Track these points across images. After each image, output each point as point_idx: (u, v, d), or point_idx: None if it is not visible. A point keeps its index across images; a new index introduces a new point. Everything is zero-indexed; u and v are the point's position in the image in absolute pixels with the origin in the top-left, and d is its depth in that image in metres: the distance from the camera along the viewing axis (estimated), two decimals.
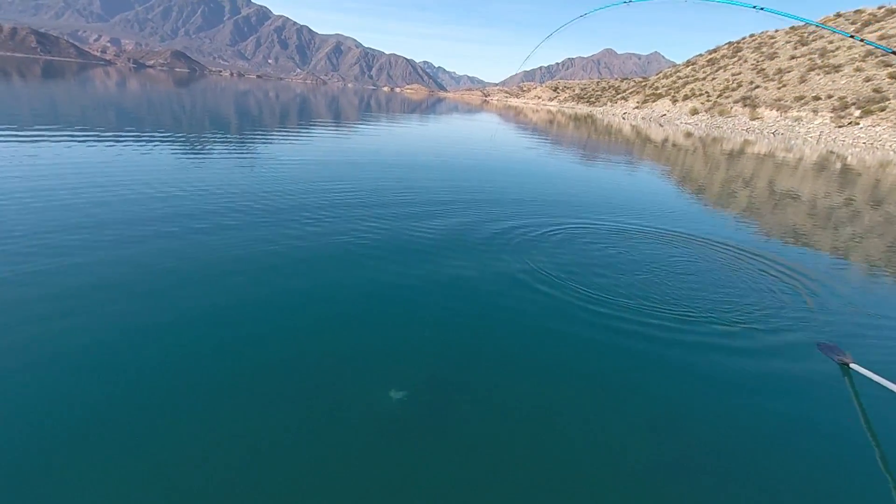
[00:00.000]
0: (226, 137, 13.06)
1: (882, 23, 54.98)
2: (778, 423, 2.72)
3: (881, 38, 51.55)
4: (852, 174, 17.85)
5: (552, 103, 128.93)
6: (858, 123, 42.25)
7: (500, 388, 2.90)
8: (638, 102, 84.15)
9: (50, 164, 7.39)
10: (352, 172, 9.37)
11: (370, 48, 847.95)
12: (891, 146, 35.61)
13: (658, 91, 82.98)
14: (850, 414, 2.84)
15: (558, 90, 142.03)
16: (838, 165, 20.89)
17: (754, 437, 2.60)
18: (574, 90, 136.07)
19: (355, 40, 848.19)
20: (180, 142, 11.36)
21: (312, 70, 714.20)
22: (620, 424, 2.65)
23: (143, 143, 10.33)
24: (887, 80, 44.40)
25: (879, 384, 2.83)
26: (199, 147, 10.99)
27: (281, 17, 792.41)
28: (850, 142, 38.76)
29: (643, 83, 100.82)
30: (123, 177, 7.09)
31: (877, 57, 48.62)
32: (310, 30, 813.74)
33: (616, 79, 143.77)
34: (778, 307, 4.39)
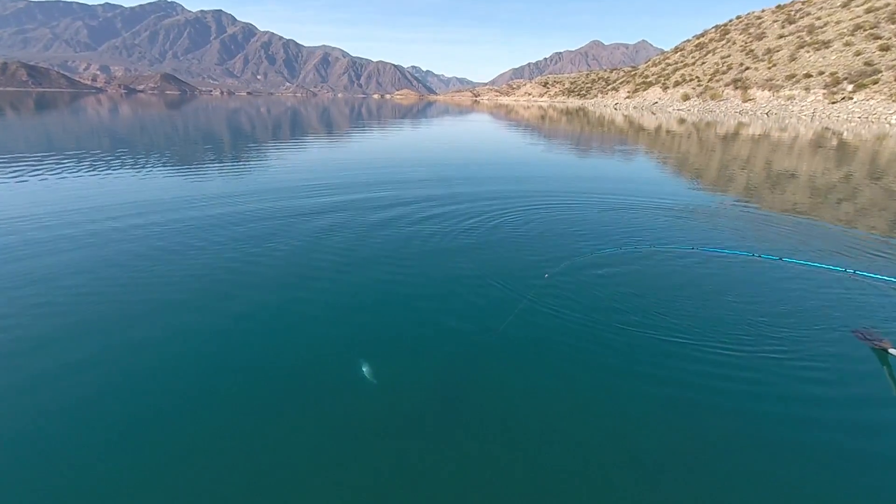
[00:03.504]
0: (221, 155, 13.04)
1: None
2: (812, 410, 2.65)
3: (868, 10, 51.45)
4: (849, 149, 17.76)
5: (543, 99, 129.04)
6: (852, 98, 42.14)
7: (505, 385, 2.87)
8: (629, 92, 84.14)
9: (47, 192, 7.37)
10: (355, 180, 9.31)
11: (357, 57, 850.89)
12: (886, 119, 35.49)
13: (648, 79, 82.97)
14: (887, 397, 2.76)
15: (548, 85, 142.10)
16: (834, 142, 20.79)
17: (787, 425, 2.54)
18: (564, 84, 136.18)
19: (342, 50, 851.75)
20: (177, 162, 11.35)
21: (301, 83, 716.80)
22: (637, 410, 2.64)
23: (139, 167, 10.31)
24: (878, 52, 44.28)
25: None
26: (195, 166, 10.97)
27: (266, 32, 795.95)
28: (845, 117, 38.64)
29: (633, 72, 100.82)
30: (125, 198, 7.06)
31: (865, 30, 48.51)
32: (296, 43, 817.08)
33: (605, 70, 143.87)
34: (803, 292, 4.29)
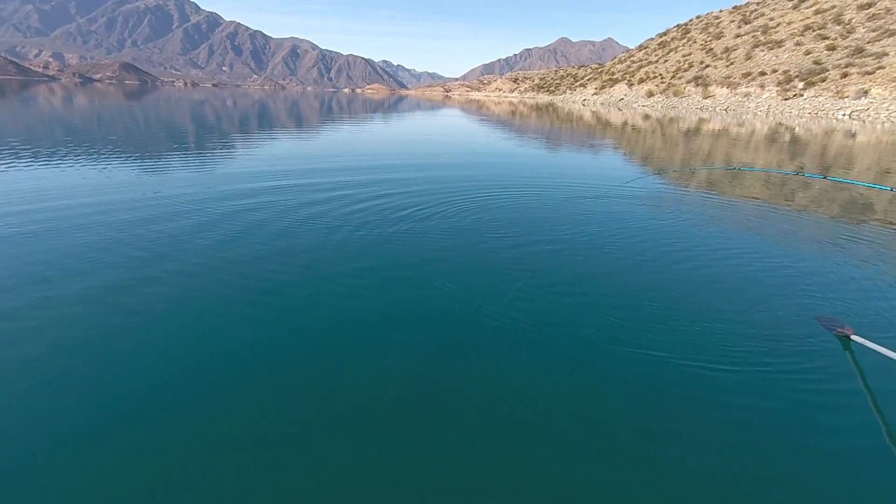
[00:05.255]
0: (186, 148, 12.72)
1: None
2: (778, 398, 2.71)
3: (817, 11, 54.07)
4: (801, 144, 18.76)
5: (513, 94, 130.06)
6: (802, 95, 44.29)
7: (488, 377, 3.00)
8: (596, 88, 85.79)
9: None
10: (325, 176, 9.29)
11: (328, 50, 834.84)
12: (833, 115, 37.49)
13: (614, 76, 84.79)
14: (853, 386, 2.84)
15: (518, 81, 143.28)
16: (787, 137, 21.90)
17: (753, 411, 2.60)
18: (534, 80, 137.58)
19: (311, 42, 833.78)
20: (137, 155, 11.02)
21: (270, 75, 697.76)
22: (606, 400, 2.71)
23: (96, 160, 9.98)
24: (825, 51, 46.66)
25: (882, 354, 2.77)
26: (156, 159, 10.69)
27: (233, 22, 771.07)
28: (797, 113, 40.60)
29: (599, 69, 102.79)
30: (89, 195, 6.86)
31: (814, 30, 50.98)
32: (263, 34, 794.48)
33: (573, 66, 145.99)
34: (767, 282, 4.47)
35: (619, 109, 52.51)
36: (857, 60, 42.32)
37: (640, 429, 2.48)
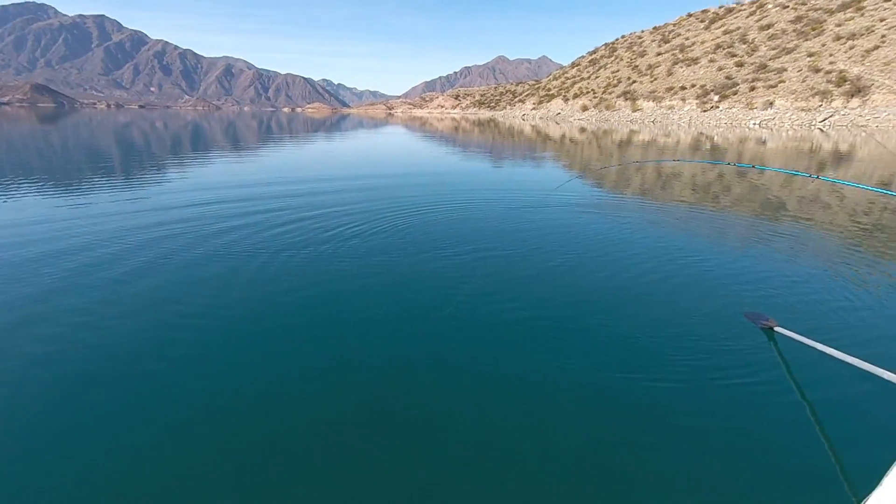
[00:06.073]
0: (105, 174, 11.84)
1: (724, 20, 63.42)
2: (714, 396, 2.82)
3: (725, 32, 59.47)
4: (720, 151, 20.37)
5: (455, 111, 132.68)
6: (718, 107, 48.29)
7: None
8: (534, 104, 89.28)
9: None
10: (251, 197, 8.92)
11: (264, 69, 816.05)
12: (745, 124, 41.09)
13: (551, 92, 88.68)
14: (778, 374, 3.04)
15: (460, 98, 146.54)
16: (708, 145, 23.72)
17: (691, 414, 2.68)
18: (475, 97, 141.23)
19: (247, 62, 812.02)
20: (47, 183, 10.13)
21: (203, 95, 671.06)
22: (549, 406, 2.74)
23: (7, 190, 9.07)
24: (735, 67, 51.29)
25: (802, 343, 3.02)
26: (68, 186, 9.87)
27: (160, 41, 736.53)
28: (715, 123, 44.16)
29: (536, 86, 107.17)
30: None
31: (724, 49, 55.97)
32: (195, 53, 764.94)
33: (512, 83, 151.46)
34: (699, 282, 4.71)
35: (557, 123, 54.84)
36: (762, 75, 46.81)
37: (582, 438, 2.48)
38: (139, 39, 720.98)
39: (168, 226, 6.42)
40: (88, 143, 21.89)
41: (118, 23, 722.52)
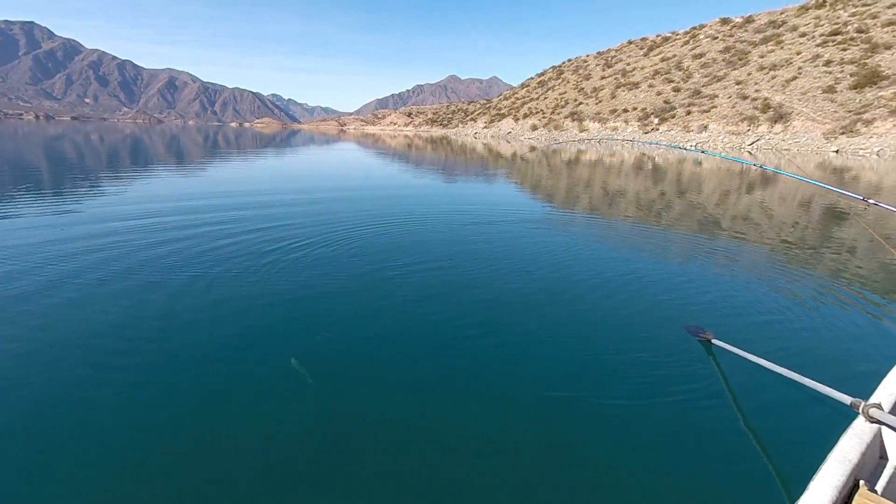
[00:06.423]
0: (32, 189, 10.90)
1: (661, 48, 67.94)
2: (658, 409, 2.89)
3: (662, 59, 63.69)
4: (661, 171, 21.59)
5: (408, 128, 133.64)
6: (658, 129, 51.32)
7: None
8: (486, 122, 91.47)
9: None
10: (188, 213, 8.46)
11: (210, 82, 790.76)
12: (682, 145, 43.83)
13: (501, 111, 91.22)
14: (716, 386, 3.18)
15: (412, 115, 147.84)
16: (650, 165, 25.09)
17: (632, 416, 2.77)
18: (427, 114, 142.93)
19: (191, 74, 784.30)
20: None
21: (144, 108, 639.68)
22: (493, 425, 2.72)
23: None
24: (672, 92, 54.86)
25: (736, 354, 3.19)
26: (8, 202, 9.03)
27: (96, 51, 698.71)
28: (655, 144, 46.78)
29: (487, 105, 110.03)
30: None
31: (662, 74, 59.85)
32: (134, 64, 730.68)
33: (463, 102, 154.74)
34: (643, 297, 4.80)
35: (508, 142, 56.31)
36: (696, 101, 50.27)
37: (526, 455, 2.50)
38: (73, 48, 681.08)
39: (97, 239, 5.95)
40: (13, 156, 20.19)
41: (49, 30, 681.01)
